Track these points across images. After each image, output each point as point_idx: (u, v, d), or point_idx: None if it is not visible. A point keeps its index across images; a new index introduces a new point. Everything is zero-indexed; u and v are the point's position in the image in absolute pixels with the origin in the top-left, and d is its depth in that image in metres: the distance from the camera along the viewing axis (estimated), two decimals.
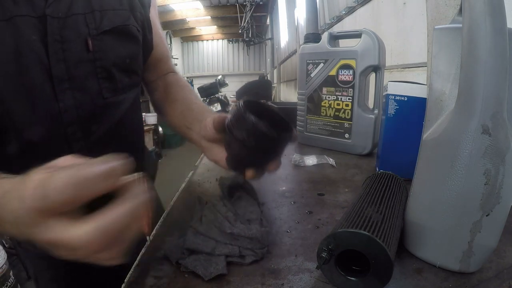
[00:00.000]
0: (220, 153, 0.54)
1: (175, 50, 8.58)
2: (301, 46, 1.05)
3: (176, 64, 8.05)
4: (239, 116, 0.45)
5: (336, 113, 0.97)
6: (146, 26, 0.63)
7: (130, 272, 0.41)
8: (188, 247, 0.43)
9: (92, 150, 0.52)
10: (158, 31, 0.70)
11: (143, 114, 4.83)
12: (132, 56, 0.59)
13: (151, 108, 6.06)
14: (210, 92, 6.91)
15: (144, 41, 0.63)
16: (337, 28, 2.39)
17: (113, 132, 0.58)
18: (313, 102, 1.03)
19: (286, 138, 0.48)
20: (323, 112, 1.01)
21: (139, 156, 0.71)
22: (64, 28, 0.48)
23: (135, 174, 0.28)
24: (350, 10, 2.08)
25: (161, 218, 0.56)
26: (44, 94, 0.48)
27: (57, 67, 0.48)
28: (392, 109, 0.70)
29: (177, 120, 0.66)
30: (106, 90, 0.54)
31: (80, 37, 0.50)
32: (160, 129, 5.29)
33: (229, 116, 0.47)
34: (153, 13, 0.68)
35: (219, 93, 7.18)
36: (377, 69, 0.89)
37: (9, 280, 1.75)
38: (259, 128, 0.44)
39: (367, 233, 0.33)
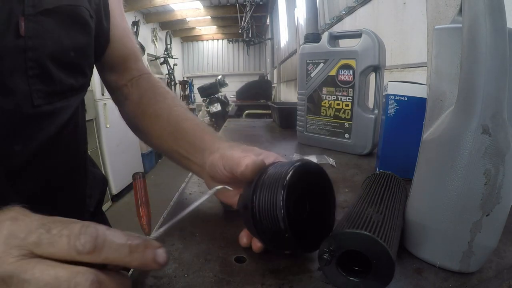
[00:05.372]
0: (234, 196, 0.44)
1: (175, 50, 8.58)
2: (301, 46, 1.05)
3: (176, 64, 8.03)
4: (274, 230, 0.33)
5: (336, 113, 0.97)
6: (102, 12, 0.49)
7: (130, 272, 0.41)
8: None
9: (15, 178, 0.38)
10: (121, 23, 0.55)
11: None
12: (79, 49, 0.43)
13: None
14: (210, 92, 6.91)
15: (98, 31, 0.48)
16: (337, 28, 2.39)
17: (45, 153, 0.41)
18: (313, 102, 1.03)
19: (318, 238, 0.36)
20: (323, 112, 1.01)
21: (81, 179, 0.55)
22: None
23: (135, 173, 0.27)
24: (350, 10, 2.08)
25: (161, 218, 0.56)
26: None
27: None
28: (392, 109, 0.70)
29: (166, 143, 0.52)
30: (38, 93, 0.38)
31: (9, 16, 0.33)
32: None
33: (256, 206, 0.35)
34: (115, 1, 0.54)
35: (219, 93, 7.18)
36: (377, 69, 0.89)
37: None
38: (291, 244, 0.35)
39: (368, 234, 0.33)
